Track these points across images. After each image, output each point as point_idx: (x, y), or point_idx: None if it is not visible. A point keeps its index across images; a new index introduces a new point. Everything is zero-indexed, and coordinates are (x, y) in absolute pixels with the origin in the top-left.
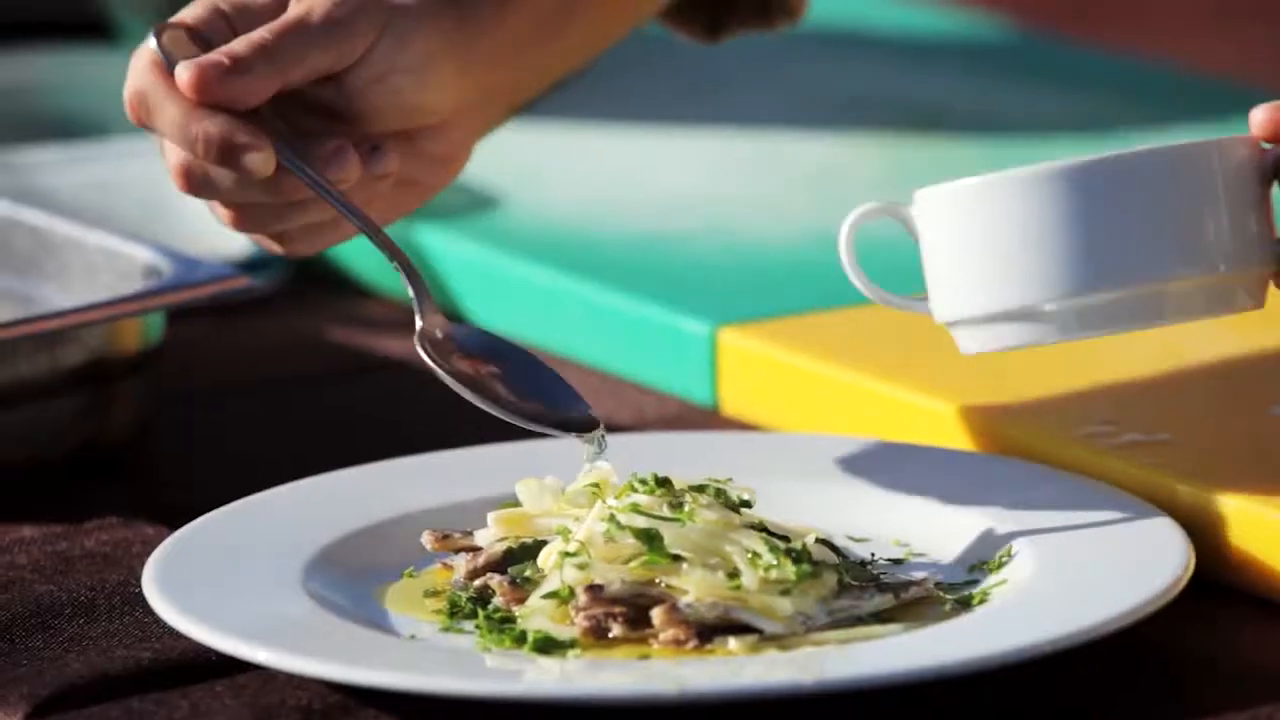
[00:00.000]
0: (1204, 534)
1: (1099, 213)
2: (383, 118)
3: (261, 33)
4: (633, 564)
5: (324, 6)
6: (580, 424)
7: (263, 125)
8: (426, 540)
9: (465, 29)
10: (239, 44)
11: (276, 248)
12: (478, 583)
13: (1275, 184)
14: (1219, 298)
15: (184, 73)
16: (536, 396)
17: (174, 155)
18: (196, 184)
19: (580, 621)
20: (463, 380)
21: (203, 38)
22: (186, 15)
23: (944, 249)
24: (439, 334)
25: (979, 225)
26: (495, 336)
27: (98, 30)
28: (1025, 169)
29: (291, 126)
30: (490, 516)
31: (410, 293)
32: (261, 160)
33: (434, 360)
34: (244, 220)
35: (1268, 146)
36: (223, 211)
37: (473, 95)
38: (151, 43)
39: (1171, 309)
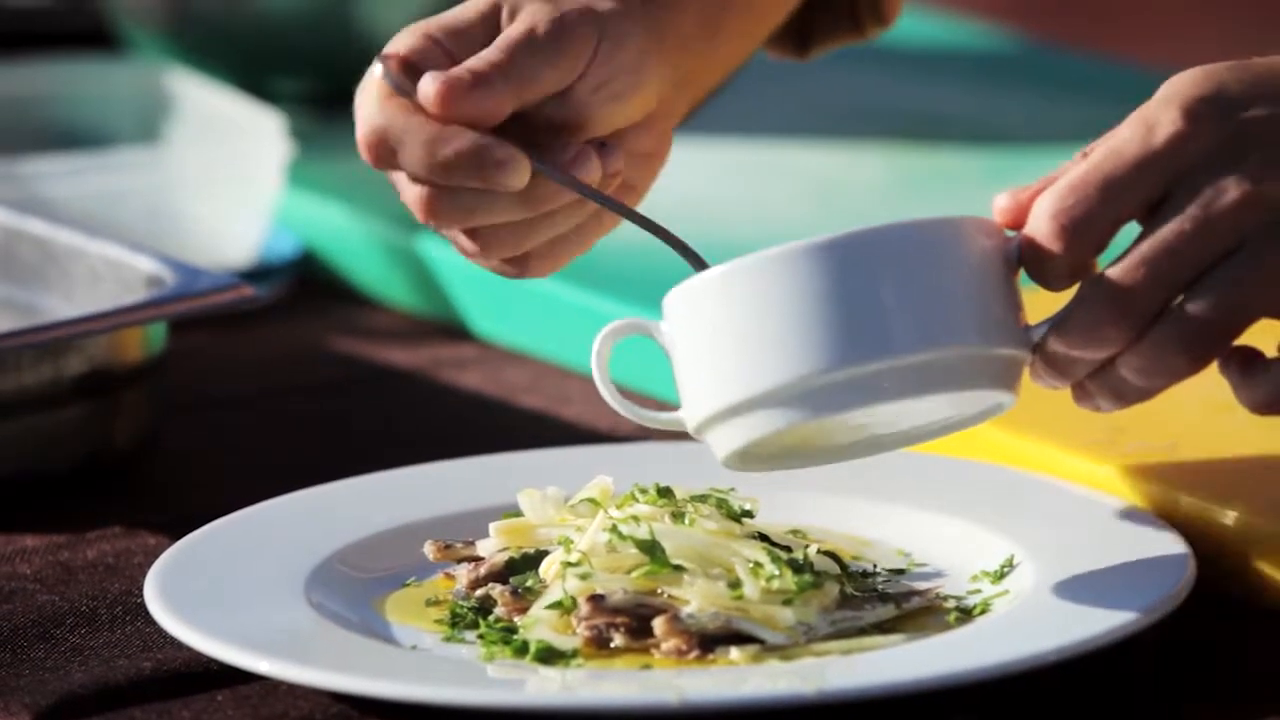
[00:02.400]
0: (1206, 545)
1: (838, 290)
2: (605, 121)
3: (492, 52)
4: (634, 574)
5: (545, 22)
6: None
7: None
8: (428, 550)
9: (658, 19)
10: (475, 62)
11: (514, 271)
12: (479, 593)
13: (1020, 272)
14: (965, 376)
15: (430, 86)
16: None
17: (413, 191)
18: (443, 212)
19: (582, 631)
20: None
21: (417, 69)
22: (400, 46)
23: (688, 349)
24: None
25: (720, 315)
26: None
27: (103, 41)
28: (762, 253)
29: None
30: (492, 526)
31: (683, 256)
32: (517, 171)
33: None
34: (491, 246)
35: (1011, 234)
36: (466, 243)
37: (668, 87)
38: (378, 72)
39: (912, 386)
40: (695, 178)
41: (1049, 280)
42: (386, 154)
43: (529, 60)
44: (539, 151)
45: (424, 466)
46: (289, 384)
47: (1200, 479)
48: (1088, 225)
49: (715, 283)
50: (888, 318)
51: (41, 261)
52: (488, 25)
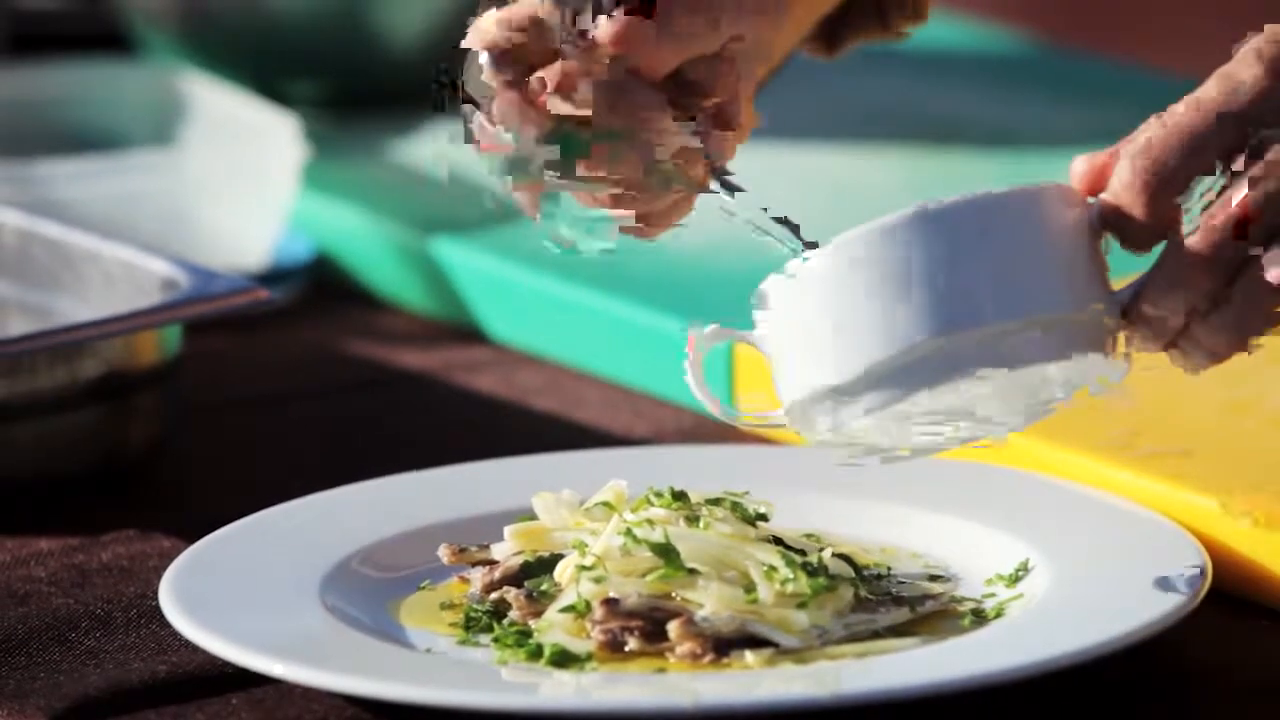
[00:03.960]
0: (1221, 548)
1: (923, 266)
2: (745, 79)
3: (635, 13)
4: (649, 577)
5: None
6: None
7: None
8: (443, 553)
9: None
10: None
11: (635, 228)
12: (494, 596)
13: (1105, 236)
14: (1060, 344)
15: (612, 27)
16: None
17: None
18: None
19: (597, 635)
20: None
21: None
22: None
23: (788, 334)
24: None
25: (814, 302)
26: None
27: (117, 44)
28: (841, 237)
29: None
30: (507, 530)
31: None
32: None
33: None
34: (624, 199)
35: (1091, 200)
36: (609, 196)
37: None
38: (484, 62)
39: (1010, 354)
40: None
41: (1134, 238)
42: (612, 99)
43: (681, 18)
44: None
45: (438, 470)
46: (303, 387)
47: (1215, 482)
48: (1171, 178)
49: (811, 268)
50: (979, 289)
51: (56, 264)
52: None
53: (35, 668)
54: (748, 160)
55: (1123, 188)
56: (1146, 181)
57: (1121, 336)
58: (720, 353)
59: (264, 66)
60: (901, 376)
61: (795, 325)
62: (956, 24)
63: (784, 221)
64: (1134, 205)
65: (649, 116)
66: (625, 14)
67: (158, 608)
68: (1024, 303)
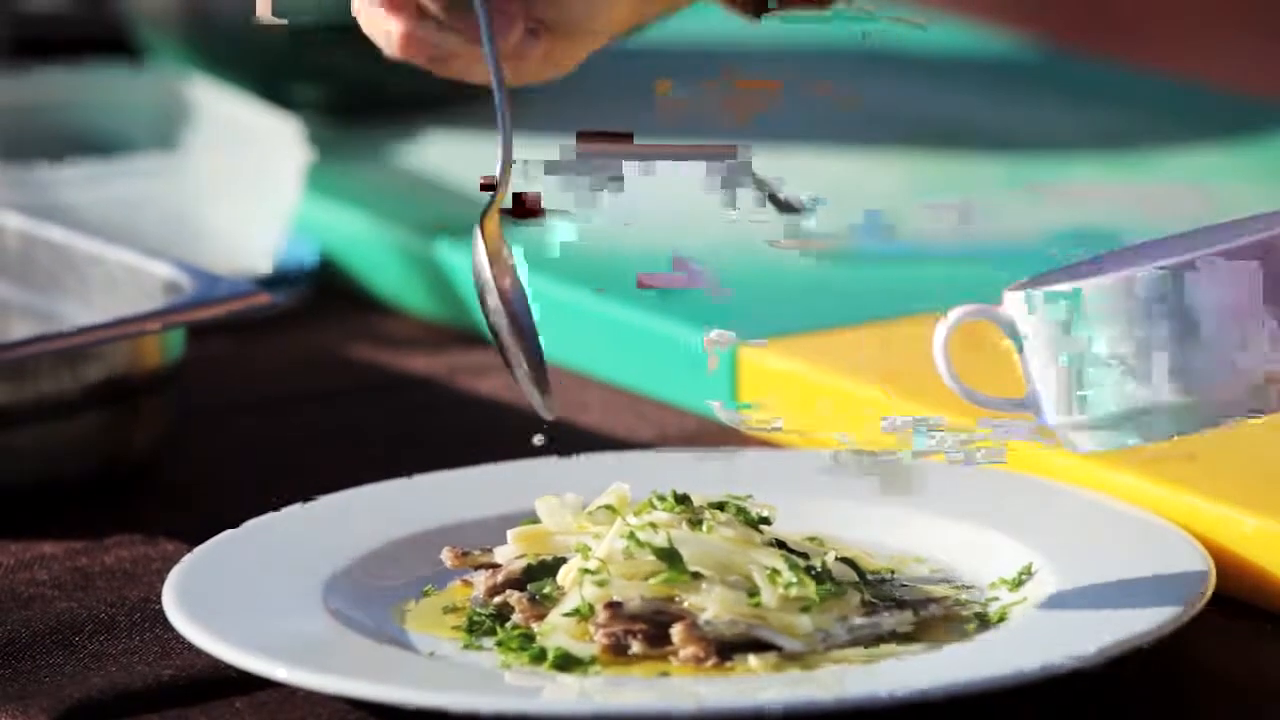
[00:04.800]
0: (1225, 552)
1: (1217, 308)
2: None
3: None
4: (652, 581)
5: None
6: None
7: None
8: (446, 557)
9: None
10: None
11: (397, 42)
12: (497, 600)
13: None
14: None
15: None
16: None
17: None
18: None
19: (600, 638)
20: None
21: None
22: None
23: (1068, 350)
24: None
25: (1100, 329)
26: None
27: (121, 48)
28: (1144, 270)
29: None
30: (510, 533)
31: (499, 157)
32: None
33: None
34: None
35: None
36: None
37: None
38: None
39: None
40: (709, 185)
41: None
42: None
43: None
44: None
45: (441, 473)
46: (307, 391)
47: (1219, 486)
48: None
49: (1107, 292)
50: (1258, 333)
51: (60, 268)
52: None
53: (39, 671)
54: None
55: None
56: None
57: None
58: (724, 358)
59: (268, 71)
60: (1203, 414)
61: (1095, 338)
62: (959, 28)
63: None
64: None
65: None
66: None
67: (161, 611)
68: None
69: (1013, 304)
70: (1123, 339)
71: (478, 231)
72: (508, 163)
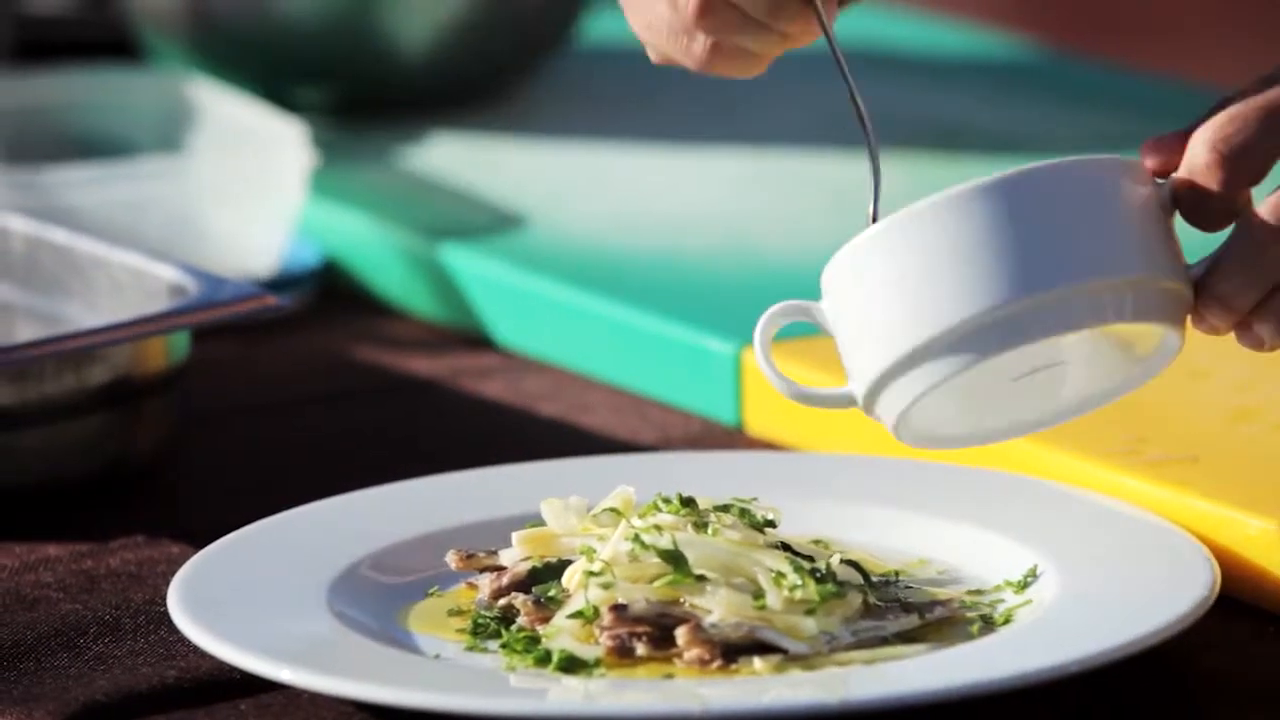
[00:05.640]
0: (1229, 554)
1: (995, 232)
2: None
3: None
4: (657, 583)
5: None
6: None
7: None
8: (451, 559)
9: None
10: None
11: (702, 57)
12: (502, 602)
13: (1176, 215)
14: (1134, 307)
15: None
16: None
17: None
18: None
19: (605, 641)
20: None
21: None
22: None
23: (853, 312)
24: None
25: (884, 269)
26: None
27: (124, 50)
28: (915, 205)
29: None
30: (515, 536)
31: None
32: None
33: None
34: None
35: (1161, 181)
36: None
37: None
38: None
39: (1080, 315)
40: (714, 188)
41: (1207, 217)
42: None
43: None
44: None
45: (446, 476)
46: (311, 393)
47: (1223, 488)
48: (1247, 152)
49: (881, 236)
50: (1054, 250)
51: (64, 271)
52: None
53: (43, 673)
54: (748, 166)
55: (1198, 165)
56: (1223, 157)
57: (1189, 315)
58: (728, 359)
59: (272, 73)
60: (975, 341)
61: (868, 296)
62: (960, 30)
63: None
64: (1209, 182)
65: None
66: None
67: (166, 613)
68: (1100, 264)
69: (824, 289)
70: (892, 282)
71: None
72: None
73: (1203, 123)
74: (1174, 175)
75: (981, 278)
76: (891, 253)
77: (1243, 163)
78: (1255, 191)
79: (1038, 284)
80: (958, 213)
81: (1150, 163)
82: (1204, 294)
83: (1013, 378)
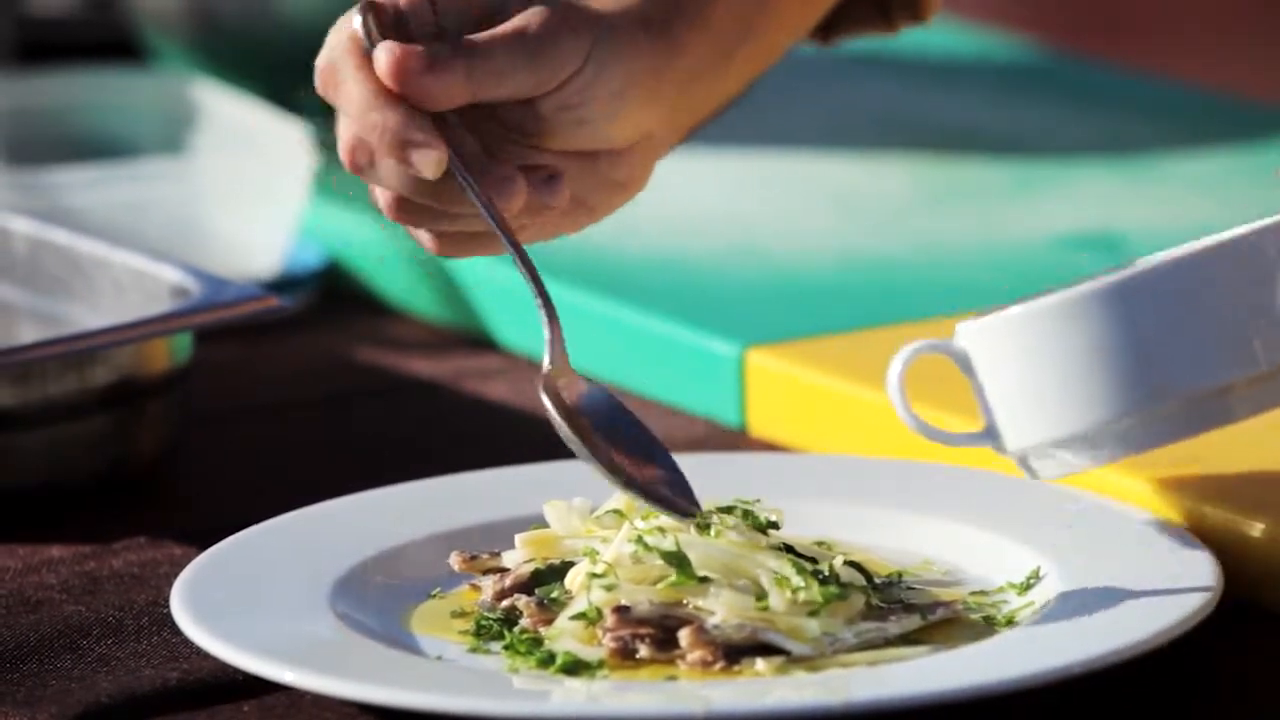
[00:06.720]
0: (1233, 556)
1: (1155, 326)
2: (566, 141)
3: (468, 39)
4: (660, 585)
5: (538, 25)
6: (681, 511)
7: (441, 126)
8: (454, 561)
9: (657, 56)
10: (445, 46)
11: (429, 245)
12: (505, 604)
13: None
14: (1266, 397)
15: (383, 57)
16: (649, 465)
17: (347, 131)
18: (361, 165)
19: (608, 642)
20: (578, 434)
21: (404, 20)
22: None
23: (1009, 379)
24: (563, 388)
25: (1044, 351)
26: (616, 401)
27: (128, 51)
28: (1073, 291)
29: (469, 128)
30: (518, 538)
31: (546, 334)
32: (432, 162)
33: (556, 408)
34: (401, 212)
35: None
36: (382, 197)
37: (656, 123)
38: (355, 20)
39: (1237, 409)
40: (717, 190)
41: None
42: (330, 90)
43: (502, 60)
44: (477, 154)
45: (449, 478)
46: (314, 395)
47: (1226, 490)
48: None
49: (1076, 306)
50: (1200, 349)
51: (67, 272)
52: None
53: (46, 675)
54: (752, 168)
55: None
56: None
57: None
58: (731, 361)
59: (275, 74)
60: (1143, 433)
61: (1040, 365)
62: (964, 31)
63: (550, 315)
64: None
65: (405, 144)
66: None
67: (169, 615)
68: (1248, 360)
69: (963, 336)
70: (1060, 362)
71: (542, 395)
72: (554, 322)
73: None
74: None
75: (1130, 378)
76: (1064, 333)
77: None
78: None
79: (1188, 386)
80: (1118, 305)
81: None
82: None
83: None
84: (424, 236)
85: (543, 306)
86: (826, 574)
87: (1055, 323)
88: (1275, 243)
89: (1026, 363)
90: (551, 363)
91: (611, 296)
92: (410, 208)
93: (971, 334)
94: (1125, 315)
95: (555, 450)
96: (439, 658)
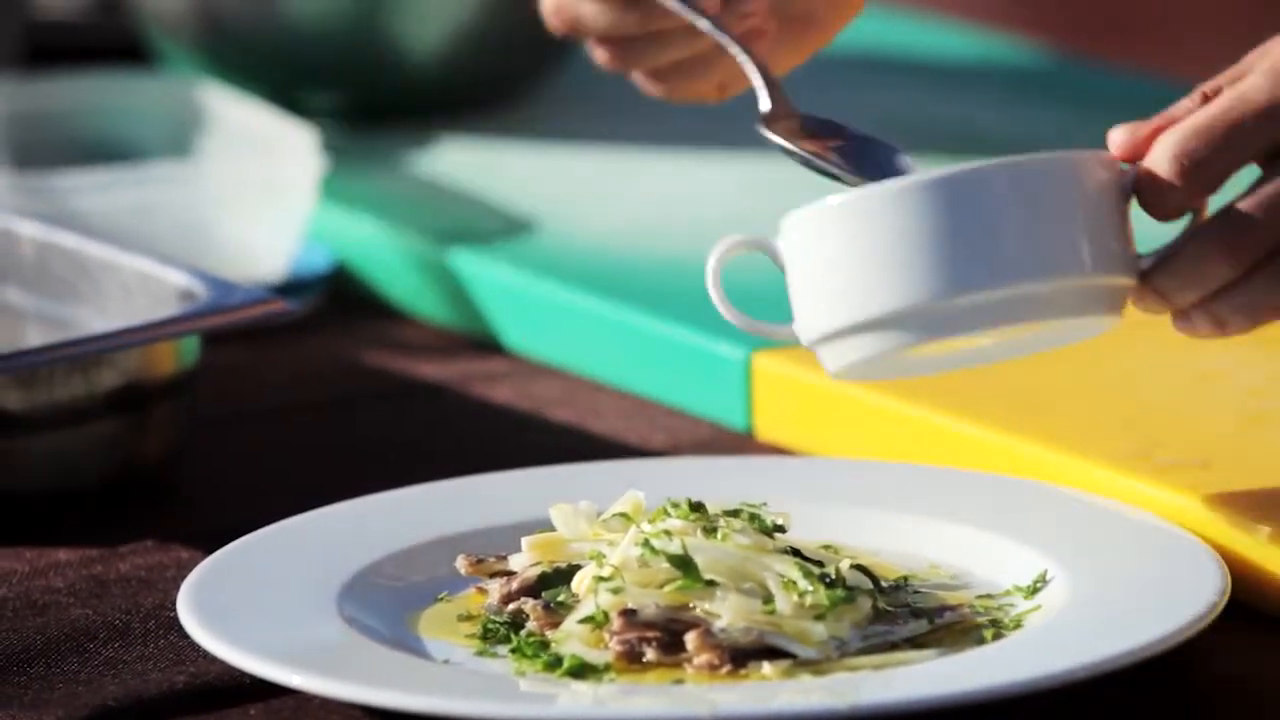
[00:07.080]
0: (1240, 559)
1: (956, 224)
2: None
3: None
4: (667, 588)
5: None
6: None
7: None
8: (461, 564)
9: None
10: None
11: (653, 88)
12: (512, 607)
13: (1133, 201)
14: (1076, 304)
15: None
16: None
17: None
18: (569, 20)
19: (614, 646)
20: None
21: None
22: None
23: (809, 269)
24: (785, 116)
25: (842, 241)
26: (832, 121)
27: (135, 54)
28: (884, 184)
29: None
30: (524, 541)
31: (759, 80)
32: None
33: (780, 137)
34: (618, 57)
35: (1126, 167)
36: (599, 51)
37: None
38: None
39: (1027, 312)
40: (721, 192)
41: (1162, 214)
42: None
43: None
44: None
45: (455, 481)
46: (321, 398)
47: (1234, 493)
48: (1208, 167)
49: (837, 211)
50: (1004, 248)
51: (73, 275)
52: None
53: (53, 678)
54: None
55: (1157, 168)
56: (1185, 166)
57: (1130, 298)
58: (738, 364)
59: (282, 77)
60: (924, 323)
61: (831, 257)
62: (968, 34)
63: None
64: (1170, 182)
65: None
66: None
67: (176, 618)
68: (1052, 265)
69: (783, 231)
70: (864, 251)
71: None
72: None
73: (1168, 123)
74: (1138, 165)
75: (932, 268)
76: (853, 226)
77: (1202, 175)
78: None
79: (999, 278)
80: (918, 201)
81: (1117, 152)
82: (1147, 284)
83: (955, 342)
84: (645, 81)
85: (750, 59)
86: (833, 577)
87: (870, 214)
88: (1081, 171)
89: (838, 250)
90: (773, 103)
91: (618, 300)
92: (627, 50)
93: (783, 229)
94: (936, 212)
95: (561, 453)
96: (446, 661)
